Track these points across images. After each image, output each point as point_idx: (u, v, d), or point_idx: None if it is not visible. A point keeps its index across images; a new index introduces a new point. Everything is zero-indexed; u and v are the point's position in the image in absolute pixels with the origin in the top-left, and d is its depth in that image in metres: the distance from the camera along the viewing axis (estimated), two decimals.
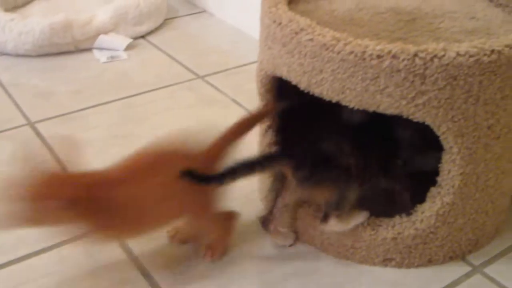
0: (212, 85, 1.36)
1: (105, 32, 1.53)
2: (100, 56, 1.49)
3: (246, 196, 1.00)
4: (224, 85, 1.36)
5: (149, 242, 0.90)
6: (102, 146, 1.14)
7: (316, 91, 0.81)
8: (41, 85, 1.37)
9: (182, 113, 1.25)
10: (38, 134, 1.18)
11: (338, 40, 0.76)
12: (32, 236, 0.92)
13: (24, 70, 1.43)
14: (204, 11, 1.78)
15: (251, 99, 1.28)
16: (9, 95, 1.32)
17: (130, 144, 1.13)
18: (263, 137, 0.95)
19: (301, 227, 0.90)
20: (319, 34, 0.78)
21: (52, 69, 1.44)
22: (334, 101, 0.80)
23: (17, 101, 1.30)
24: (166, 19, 1.70)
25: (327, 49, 0.77)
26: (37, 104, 1.29)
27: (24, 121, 1.23)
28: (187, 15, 1.75)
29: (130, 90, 1.34)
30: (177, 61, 1.48)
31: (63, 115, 1.25)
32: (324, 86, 0.80)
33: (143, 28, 1.61)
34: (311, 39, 0.78)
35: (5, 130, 1.20)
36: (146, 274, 0.86)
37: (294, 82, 0.83)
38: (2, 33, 1.46)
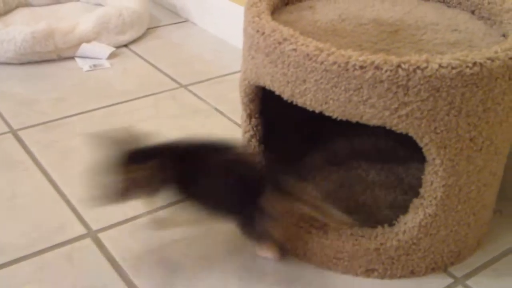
0: (195, 94, 1.36)
1: (88, 41, 1.53)
2: (83, 64, 1.48)
3: None
4: (207, 94, 1.36)
5: (131, 248, 0.90)
6: (85, 155, 1.13)
7: (299, 101, 0.81)
8: (23, 93, 1.35)
9: (165, 121, 1.25)
10: (20, 141, 1.17)
11: (321, 51, 0.76)
12: (12, 244, 0.91)
13: (6, 78, 1.42)
14: (186, 20, 1.78)
15: (234, 108, 1.29)
16: None
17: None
18: (247, 146, 0.95)
19: (284, 236, 0.90)
20: (302, 44, 0.78)
21: (35, 77, 1.43)
22: (317, 111, 0.80)
23: None
24: (148, 28, 1.70)
25: (310, 59, 0.77)
26: (20, 112, 1.28)
27: (6, 129, 1.22)
28: (169, 24, 1.75)
29: (113, 99, 1.34)
30: (160, 70, 1.47)
31: (46, 122, 1.24)
32: (307, 96, 0.80)
33: (126, 37, 1.60)
34: (295, 49, 0.78)
35: None
36: (127, 281, 0.85)
37: (277, 92, 0.84)
38: None
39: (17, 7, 1.76)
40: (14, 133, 1.20)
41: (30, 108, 1.30)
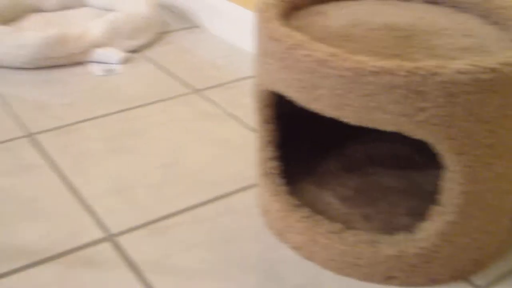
0: (207, 99, 1.37)
1: (99, 46, 1.54)
2: (95, 69, 1.49)
3: (246, 210, 1.00)
4: (220, 100, 1.36)
5: (150, 252, 0.91)
6: (98, 159, 1.14)
7: (314, 107, 0.81)
8: (36, 97, 1.36)
9: (178, 127, 1.26)
10: (35, 145, 1.18)
11: (336, 56, 0.76)
12: (32, 248, 0.92)
13: (19, 83, 1.43)
14: (197, 26, 1.78)
15: (248, 113, 1.30)
16: (5, 107, 1.32)
17: (126, 157, 1.14)
18: (262, 152, 0.95)
19: (303, 242, 0.90)
20: (316, 50, 0.78)
21: (47, 82, 1.43)
22: (332, 117, 0.80)
23: (13, 113, 1.30)
24: (160, 34, 1.71)
25: (324, 65, 0.77)
26: (33, 116, 1.29)
27: (21, 133, 1.23)
28: (180, 29, 1.76)
29: (125, 104, 1.34)
30: (171, 75, 1.48)
31: (59, 127, 1.25)
32: (322, 102, 0.80)
33: (137, 42, 1.61)
34: (308, 55, 0.78)
35: (3, 142, 1.20)
36: (147, 285, 0.86)
37: (291, 98, 0.84)
38: (1, 46, 1.46)
39: (29, 12, 1.77)
40: (30, 137, 1.21)
41: (43, 112, 1.30)
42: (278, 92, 0.86)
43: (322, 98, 0.79)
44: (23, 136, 1.22)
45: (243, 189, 1.06)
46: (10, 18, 1.69)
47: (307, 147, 1.07)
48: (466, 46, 0.86)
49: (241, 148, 1.18)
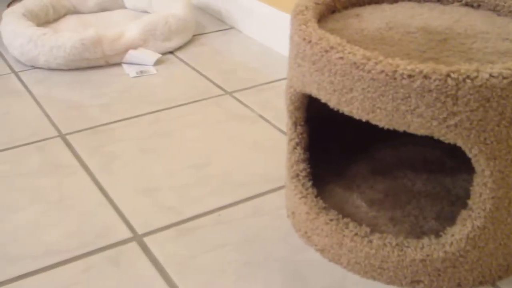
0: (240, 101, 1.37)
1: (135, 48, 1.55)
2: (130, 71, 1.51)
3: (273, 212, 1.00)
4: (252, 101, 1.36)
5: (176, 253, 0.91)
6: (129, 159, 1.15)
7: (345, 109, 0.81)
8: (71, 98, 1.38)
9: (210, 128, 1.26)
10: (68, 145, 1.20)
11: (369, 59, 0.76)
12: (59, 246, 0.93)
13: (55, 84, 1.45)
14: (231, 27, 1.79)
15: (279, 115, 1.29)
16: (41, 107, 1.34)
17: (156, 158, 1.15)
18: (291, 154, 0.95)
19: (329, 244, 0.90)
20: (349, 53, 0.78)
21: (83, 83, 1.46)
22: (364, 120, 0.80)
23: (48, 113, 1.32)
24: (194, 35, 1.72)
25: (357, 67, 0.77)
26: (68, 117, 1.31)
27: (55, 133, 1.24)
28: (215, 31, 1.77)
29: (158, 105, 1.35)
30: (205, 76, 1.49)
31: (93, 127, 1.26)
32: (354, 105, 0.79)
33: (172, 44, 1.62)
34: (341, 58, 0.78)
35: (37, 141, 1.22)
36: (172, 285, 0.86)
37: (323, 100, 0.83)
38: (34, 47, 1.49)
39: (66, 14, 1.80)
40: (63, 137, 1.23)
41: (77, 113, 1.32)
42: (310, 94, 0.86)
43: (354, 101, 0.79)
44: (57, 136, 1.24)
45: (272, 190, 1.06)
46: (48, 19, 1.72)
47: (336, 149, 1.06)
48: (504, 50, 0.84)
49: (271, 150, 1.18)
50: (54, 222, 0.99)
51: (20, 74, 1.51)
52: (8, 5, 1.81)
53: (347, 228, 0.87)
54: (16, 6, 1.65)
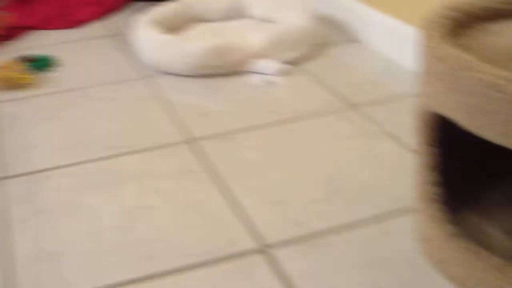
0: (364, 116, 1.35)
1: (259, 57, 1.57)
2: (254, 80, 1.53)
3: (402, 233, 0.98)
4: (377, 116, 1.34)
5: (304, 268, 0.91)
6: (256, 169, 1.16)
7: (481, 133, 0.77)
8: (198, 104, 1.42)
9: (334, 142, 1.25)
10: (195, 151, 1.23)
11: (506, 79, 0.72)
12: (184, 252, 0.95)
13: (183, 90, 1.50)
14: (357, 40, 1.77)
15: (405, 132, 1.26)
16: (170, 112, 1.39)
17: (283, 170, 1.15)
18: (423, 176, 0.92)
19: (459, 273, 0.86)
20: (484, 72, 0.74)
21: (209, 90, 1.49)
22: (503, 145, 0.76)
23: (176, 118, 1.36)
24: (320, 46, 1.71)
25: (494, 88, 0.73)
26: (195, 123, 1.34)
27: (182, 138, 1.28)
28: (341, 43, 1.75)
29: (282, 115, 1.36)
30: (329, 89, 1.48)
31: (218, 134, 1.29)
32: (491, 129, 0.76)
33: (295, 54, 1.62)
34: (475, 77, 0.74)
35: (165, 146, 1.26)
36: None
37: (458, 123, 0.80)
38: (165, 53, 1.55)
39: (194, 22, 1.85)
40: (190, 143, 1.26)
41: (204, 119, 1.35)
42: (443, 115, 0.83)
43: (491, 125, 0.75)
44: (184, 142, 1.27)
45: (399, 211, 1.03)
46: (176, 27, 1.78)
47: (471, 173, 1.02)
48: None
49: (397, 168, 1.15)
50: (180, 227, 1.01)
51: (150, 79, 1.57)
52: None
53: (480, 258, 0.83)
54: (148, 14, 1.72)
